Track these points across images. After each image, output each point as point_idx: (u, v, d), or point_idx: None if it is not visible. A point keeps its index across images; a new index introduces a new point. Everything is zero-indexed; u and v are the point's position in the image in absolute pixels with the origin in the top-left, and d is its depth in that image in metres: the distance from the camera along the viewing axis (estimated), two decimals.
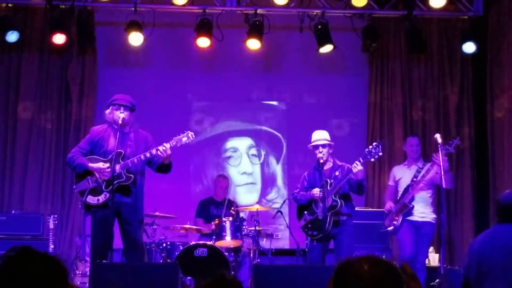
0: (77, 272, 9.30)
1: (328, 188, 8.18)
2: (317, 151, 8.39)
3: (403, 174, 9.12)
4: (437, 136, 8.22)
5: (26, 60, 11.19)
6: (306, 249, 8.68)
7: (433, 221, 8.93)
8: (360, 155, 8.26)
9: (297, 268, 7.46)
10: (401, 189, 9.04)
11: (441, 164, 7.99)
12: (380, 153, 8.32)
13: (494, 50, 10.88)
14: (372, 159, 8.41)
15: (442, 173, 7.95)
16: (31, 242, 9.25)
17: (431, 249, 9.44)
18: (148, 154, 7.45)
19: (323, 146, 8.37)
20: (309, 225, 8.37)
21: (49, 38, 10.65)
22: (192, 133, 7.66)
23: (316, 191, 8.28)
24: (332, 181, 8.22)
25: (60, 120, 11.18)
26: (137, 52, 11.33)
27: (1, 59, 11.19)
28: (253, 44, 10.72)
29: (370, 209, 10.36)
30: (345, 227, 8.25)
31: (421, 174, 8.81)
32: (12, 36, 10.61)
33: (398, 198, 9.00)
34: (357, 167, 8.06)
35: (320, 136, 8.51)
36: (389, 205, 9.05)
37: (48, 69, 11.24)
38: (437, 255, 9.18)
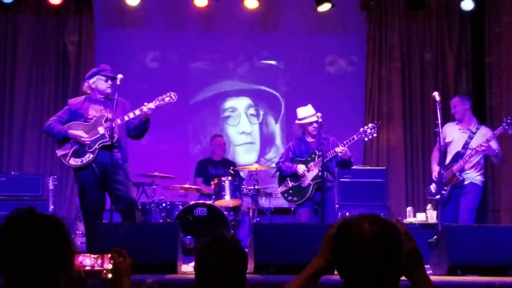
0: (78, 232, 9.39)
1: (316, 160, 8.43)
2: (310, 127, 8.59)
3: (454, 136, 8.63)
4: (435, 94, 8.16)
5: (22, 21, 11.14)
6: (296, 215, 8.73)
7: (479, 183, 8.55)
8: (354, 132, 8.35)
9: (296, 227, 7.51)
10: (450, 152, 8.63)
11: (439, 120, 7.98)
12: (375, 134, 8.44)
13: (492, 7, 10.84)
14: (366, 139, 8.52)
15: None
16: (31, 203, 9.23)
17: (429, 206, 9.46)
18: (131, 115, 7.44)
19: (316, 122, 8.53)
20: (290, 191, 8.56)
21: None
22: (175, 94, 7.63)
23: (301, 168, 8.48)
24: (319, 153, 8.35)
25: (58, 80, 11.17)
26: (134, 12, 11.26)
27: None
28: (251, 3, 10.68)
29: (369, 167, 10.39)
30: (329, 193, 8.40)
31: (472, 144, 8.44)
32: None
33: (446, 163, 8.52)
34: (343, 151, 8.23)
35: (310, 112, 8.64)
36: (436, 173, 8.54)
37: (45, 30, 11.19)
38: (435, 212, 9.19)
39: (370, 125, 8.43)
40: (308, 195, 8.42)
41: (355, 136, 8.30)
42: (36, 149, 10.97)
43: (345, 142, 8.27)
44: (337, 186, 9.55)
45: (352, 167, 8.93)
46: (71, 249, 2.56)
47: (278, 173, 8.84)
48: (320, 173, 8.26)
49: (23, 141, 10.98)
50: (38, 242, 2.41)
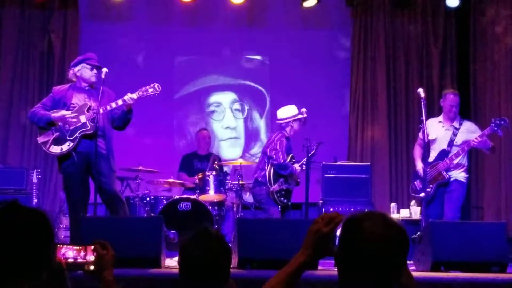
0: (61, 226, 9.36)
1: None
2: (299, 124, 8.95)
3: (437, 134, 8.52)
4: (420, 91, 8.17)
5: (7, 14, 11.09)
6: (266, 210, 9.01)
7: (463, 180, 8.50)
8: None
9: (279, 222, 7.53)
10: (434, 150, 8.54)
11: (423, 116, 8.01)
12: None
13: (477, 4, 10.89)
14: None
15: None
16: (14, 196, 9.22)
17: (412, 202, 9.48)
18: (114, 105, 7.38)
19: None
20: (283, 192, 8.83)
21: None
22: (158, 85, 7.59)
23: (298, 168, 8.95)
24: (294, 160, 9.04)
25: (43, 74, 11.14)
26: (119, 6, 11.26)
27: None
28: None
29: (353, 163, 10.40)
30: None
31: (457, 141, 8.40)
32: None
33: (431, 160, 8.44)
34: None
35: (296, 109, 8.99)
36: (421, 169, 8.42)
37: (30, 23, 11.15)
38: (419, 208, 9.22)
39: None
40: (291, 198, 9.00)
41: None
42: (20, 143, 10.93)
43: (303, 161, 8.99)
44: (321, 182, 9.61)
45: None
46: (54, 242, 2.55)
47: (271, 169, 8.89)
48: (298, 179, 9.03)
49: (7, 134, 10.94)
50: (22, 235, 2.40)
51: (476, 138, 8.23)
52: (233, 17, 11.60)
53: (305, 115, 8.74)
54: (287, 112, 8.94)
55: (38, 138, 7.64)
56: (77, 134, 7.38)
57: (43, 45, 11.17)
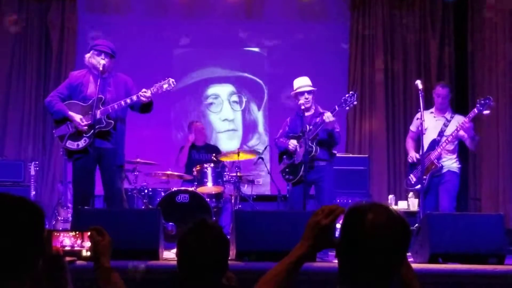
0: (59, 218, 9.35)
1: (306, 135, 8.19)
2: (301, 97, 8.33)
3: (428, 124, 8.45)
4: (418, 82, 8.15)
5: (5, 4, 11.07)
6: (287, 195, 8.67)
7: (457, 171, 8.53)
8: (337, 103, 8.26)
9: (277, 214, 7.52)
10: (426, 140, 8.37)
11: (421, 108, 8.00)
12: (355, 102, 8.30)
13: None
14: (347, 108, 8.40)
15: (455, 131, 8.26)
16: (12, 189, 9.25)
17: (410, 194, 9.49)
18: (128, 101, 7.41)
19: (309, 92, 8.37)
20: (287, 169, 8.37)
21: None
22: (173, 80, 7.62)
23: (292, 143, 8.29)
24: (311, 127, 8.16)
25: (40, 66, 11.13)
26: None
27: None
28: None
29: (351, 155, 10.41)
30: (324, 173, 8.22)
31: (447, 132, 8.41)
32: None
33: (423, 150, 8.22)
34: (330, 118, 8.00)
35: (304, 82, 8.48)
36: (414, 157, 8.54)
37: (27, 15, 11.13)
38: (417, 200, 9.22)
39: (349, 93, 8.36)
40: (300, 173, 8.12)
41: (336, 106, 8.16)
42: (18, 135, 10.92)
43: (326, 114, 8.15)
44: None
45: (336, 141, 8.38)
46: (44, 231, 2.53)
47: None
48: (309, 148, 8.04)
49: (4, 127, 10.94)
50: (11, 224, 2.38)
51: (466, 121, 8.24)
52: (231, 9, 11.59)
53: (306, 98, 8.43)
54: (294, 84, 8.57)
55: (54, 131, 7.70)
56: (93, 130, 7.36)
57: (40, 36, 11.16)
